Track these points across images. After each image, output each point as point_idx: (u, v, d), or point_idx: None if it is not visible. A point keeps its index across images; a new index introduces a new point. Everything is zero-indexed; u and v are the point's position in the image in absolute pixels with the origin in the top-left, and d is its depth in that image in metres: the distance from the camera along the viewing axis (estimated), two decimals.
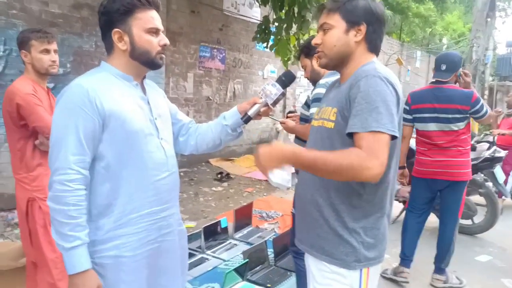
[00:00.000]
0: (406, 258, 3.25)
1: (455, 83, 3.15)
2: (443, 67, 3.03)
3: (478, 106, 2.96)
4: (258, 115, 1.58)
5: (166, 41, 1.39)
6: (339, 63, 1.44)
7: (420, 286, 3.24)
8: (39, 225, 2.17)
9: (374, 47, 1.44)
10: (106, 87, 1.33)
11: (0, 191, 4.41)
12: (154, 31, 1.36)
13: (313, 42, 1.48)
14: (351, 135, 1.28)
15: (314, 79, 2.38)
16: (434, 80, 3.13)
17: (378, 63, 1.40)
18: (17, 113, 2.09)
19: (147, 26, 1.34)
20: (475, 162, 4.14)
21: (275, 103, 1.57)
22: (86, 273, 1.26)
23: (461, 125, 3.01)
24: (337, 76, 2.14)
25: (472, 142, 4.96)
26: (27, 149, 2.16)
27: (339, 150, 1.26)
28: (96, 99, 1.28)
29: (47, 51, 2.19)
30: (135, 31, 1.34)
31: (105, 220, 1.34)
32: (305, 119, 2.31)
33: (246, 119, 1.57)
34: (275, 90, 1.54)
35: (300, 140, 2.32)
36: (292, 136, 2.54)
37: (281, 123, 2.44)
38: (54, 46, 2.23)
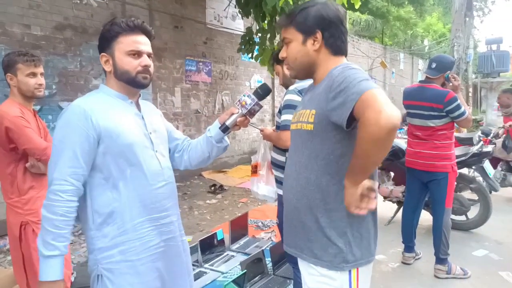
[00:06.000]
0: (406, 245, 3.63)
1: (443, 85, 3.28)
2: (433, 65, 3.29)
3: (451, 106, 3.11)
4: (236, 125, 1.63)
5: (146, 62, 1.48)
6: (306, 72, 1.48)
7: (427, 279, 3.30)
8: (33, 249, 2.13)
9: (338, 50, 1.43)
10: (102, 105, 1.45)
11: None
12: (134, 53, 1.47)
13: (280, 56, 1.52)
14: (348, 123, 1.25)
15: (286, 85, 2.41)
16: (423, 78, 3.41)
17: (349, 63, 1.41)
18: (6, 137, 2.07)
19: (128, 49, 1.46)
20: (464, 158, 4.21)
21: (250, 113, 1.62)
22: (55, 283, 1.34)
23: (438, 122, 3.19)
24: (307, 82, 2.18)
25: (490, 137, 5.19)
26: (18, 173, 2.14)
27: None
28: (92, 117, 1.39)
29: (33, 75, 2.18)
30: (117, 54, 1.47)
31: (109, 228, 1.43)
32: (278, 126, 2.33)
33: (224, 128, 1.63)
34: (249, 100, 1.60)
35: (277, 147, 2.33)
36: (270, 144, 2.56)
37: (260, 131, 2.46)
38: (40, 69, 2.23)
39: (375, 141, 1.17)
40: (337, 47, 1.43)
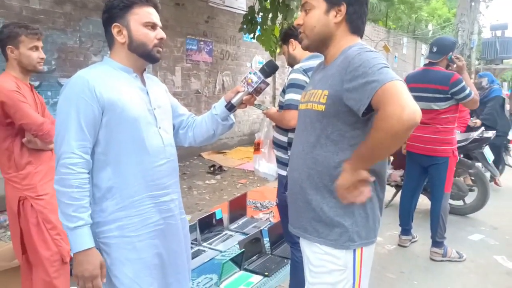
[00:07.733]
0: (403, 228, 3.67)
1: (447, 67, 3.24)
2: (434, 49, 3.26)
3: (457, 88, 3.08)
4: (242, 103, 1.61)
5: (162, 34, 1.48)
6: (320, 44, 1.43)
7: (423, 261, 3.33)
8: (32, 224, 2.13)
9: (356, 29, 1.41)
10: (106, 78, 1.41)
11: None
12: (151, 25, 1.45)
13: (295, 22, 1.47)
14: (365, 112, 1.24)
15: (291, 65, 2.38)
16: (426, 61, 3.38)
17: (364, 44, 1.38)
18: (1, 111, 2.04)
19: (144, 20, 1.44)
20: (464, 143, 4.20)
21: (256, 91, 1.59)
22: (89, 251, 1.34)
23: (443, 105, 3.17)
24: (312, 61, 2.13)
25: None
26: (14, 148, 2.12)
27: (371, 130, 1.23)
28: (96, 88, 1.36)
29: (36, 48, 2.15)
30: (133, 25, 1.43)
31: (108, 203, 1.42)
32: (281, 106, 2.30)
33: (230, 107, 1.61)
34: (255, 78, 1.56)
35: (279, 127, 2.30)
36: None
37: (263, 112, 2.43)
38: (41, 43, 2.20)
39: (393, 135, 1.17)
40: (357, 26, 1.41)
